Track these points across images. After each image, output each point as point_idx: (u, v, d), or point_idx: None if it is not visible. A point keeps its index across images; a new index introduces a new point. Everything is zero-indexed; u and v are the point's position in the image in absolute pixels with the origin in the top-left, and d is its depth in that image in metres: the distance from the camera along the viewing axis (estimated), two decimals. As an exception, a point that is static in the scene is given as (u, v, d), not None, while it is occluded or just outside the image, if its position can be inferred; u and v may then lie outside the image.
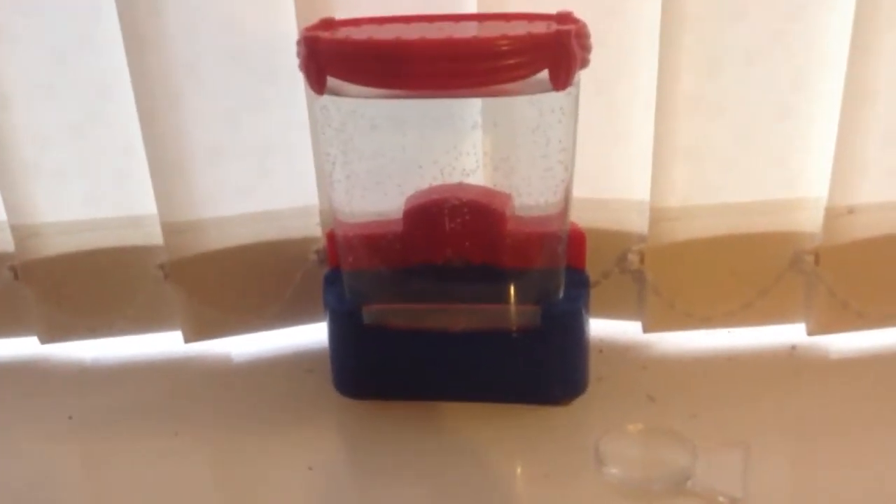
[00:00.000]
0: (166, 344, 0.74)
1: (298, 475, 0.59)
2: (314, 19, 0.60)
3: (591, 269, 0.66)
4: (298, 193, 0.70)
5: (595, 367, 0.66)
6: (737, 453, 0.58)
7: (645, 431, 0.61)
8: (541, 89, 0.55)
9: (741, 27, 0.62)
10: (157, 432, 0.64)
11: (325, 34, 0.56)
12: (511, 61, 0.53)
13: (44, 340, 0.74)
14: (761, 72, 0.63)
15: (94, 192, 0.69)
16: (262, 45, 0.65)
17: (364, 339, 0.64)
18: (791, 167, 0.66)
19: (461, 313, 0.63)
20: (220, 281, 0.71)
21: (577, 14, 0.58)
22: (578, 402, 0.64)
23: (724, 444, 0.59)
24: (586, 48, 0.55)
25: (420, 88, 0.54)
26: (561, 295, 0.63)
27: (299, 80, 0.60)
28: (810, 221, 0.67)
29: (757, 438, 0.59)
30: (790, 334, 0.71)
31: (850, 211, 0.65)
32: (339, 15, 0.61)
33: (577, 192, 0.62)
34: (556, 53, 0.53)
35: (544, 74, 0.54)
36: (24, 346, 0.75)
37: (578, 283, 0.64)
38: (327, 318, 0.66)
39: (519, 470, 0.60)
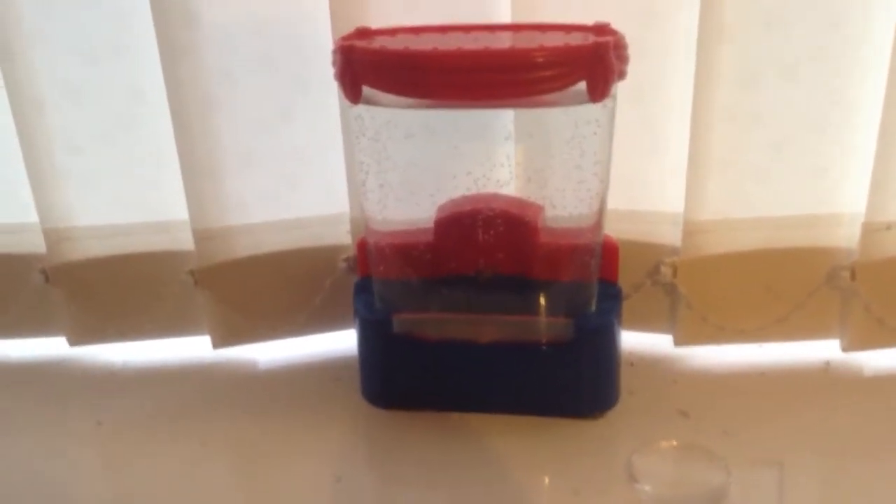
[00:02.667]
0: (195, 349, 0.74)
1: (326, 485, 0.58)
2: (349, 28, 0.60)
3: (623, 281, 0.65)
4: (329, 201, 0.70)
5: (626, 380, 0.65)
6: (771, 472, 0.57)
7: (678, 448, 0.60)
8: (577, 101, 0.54)
9: (779, 38, 0.61)
10: (183, 438, 0.64)
11: (361, 43, 0.56)
12: (548, 73, 0.52)
13: (73, 343, 0.74)
14: (799, 83, 0.62)
15: (126, 196, 0.70)
16: (296, 54, 0.65)
17: (393, 349, 0.64)
18: (828, 181, 0.65)
19: (492, 324, 0.63)
20: (250, 287, 0.71)
21: (614, 25, 0.57)
22: (609, 416, 0.64)
23: (758, 462, 0.58)
24: (624, 60, 0.55)
25: (456, 99, 0.54)
26: (593, 308, 0.63)
27: (332, 88, 0.60)
28: (847, 237, 0.66)
29: (790, 456, 0.58)
30: (824, 350, 0.70)
31: (889, 227, 0.65)
32: (374, 24, 0.61)
33: (611, 203, 0.61)
34: (594, 65, 0.53)
35: (581, 86, 0.53)
36: (53, 348, 0.75)
37: (611, 295, 0.64)
38: (357, 327, 0.66)
39: (548, 484, 0.59)
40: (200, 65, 0.64)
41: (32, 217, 0.69)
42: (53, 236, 0.70)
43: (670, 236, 0.68)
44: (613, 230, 0.64)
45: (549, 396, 0.63)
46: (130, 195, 0.70)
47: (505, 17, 0.63)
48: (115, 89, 0.66)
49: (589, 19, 0.59)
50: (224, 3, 0.63)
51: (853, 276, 0.66)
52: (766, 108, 0.63)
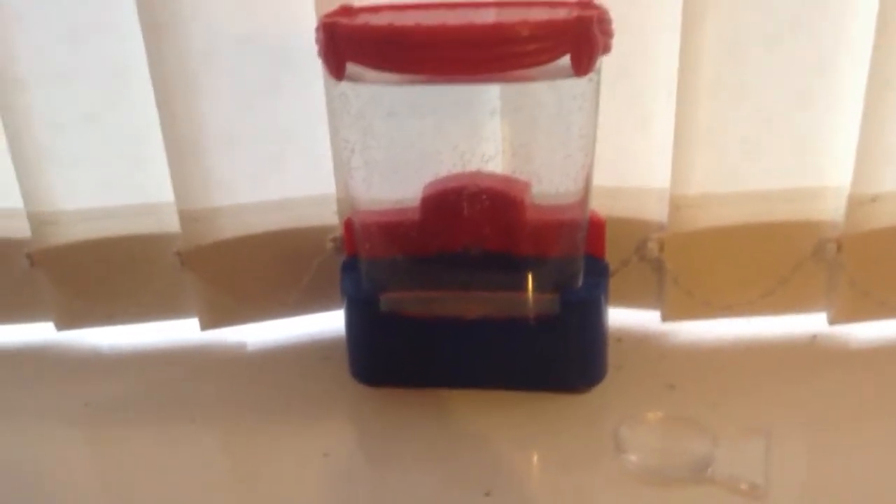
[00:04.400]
0: (182, 331, 0.74)
1: (314, 462, 0.59)
2: (333, 4, 0.59)
3: (610, 258, 0.65)
4: (315, 181, 0.69)
5: (614, 356, 0.66)
6: (758, 441, 0.57)
7: (665, 419, 0.60)
8: (562, 75, 0.54)
9: (764, 11, 0.61)
10: (172, 419, 0.64)
11: (344, 20, 0.56)
12: (532, 47, 0.52)
13: (60, 327, 0.74)
14: (784, 57, 0.62)
15: (111, 179, 0.69)
16: (279, 31, 0.64)
17: (381, 327, 0.64)
18: (814, 155, 0.65)
19: (479, 301, 0.63)
20: (237, 269, 0.71)
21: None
22: (597, 391, 0.64)
23: (745, 431, 0.58)
24: (608, 34, 0.55)
25: (441, 74, 0.54)
26: (580, 283, 0.63)
27: (316, 66, 0.59)
28: (833, 210, 0.66)
29: (778, 427, 0.59)
30: (811, 324, 0.70)
31: (874, 199, 0.65)
32: (358, 1, 0.60)
33: (597, 179, 0.61)
34: (578, 39, 0.53)
35: (565, 60, 0.53)
36: (40, 333, 0.75)
37: (597, 271, 0.64)
38: (344, 306, 0.65)
39: (536, 457, 0.59)
40: (182, 42, 0.63)
41: (17, 201, 0.69)
42: (38, 220, 0.69)
43: (657, 212, 0.68)
44: (600, 206, 0.64)
45: (537, 371, 0.63)
46: (116, 177, 0.69)
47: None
48: (98, 68, 0.66)
49: (573, -6, 0.59)
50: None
51: (839, 249, 0.66)
52: (750, 80, 0.63)
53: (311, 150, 0.68)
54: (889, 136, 0.63)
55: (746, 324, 0.71)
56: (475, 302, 0.63)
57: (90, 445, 0.63)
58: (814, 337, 0.69)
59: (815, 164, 0.66)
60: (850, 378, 0.65)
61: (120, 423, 0.64)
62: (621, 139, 0.66)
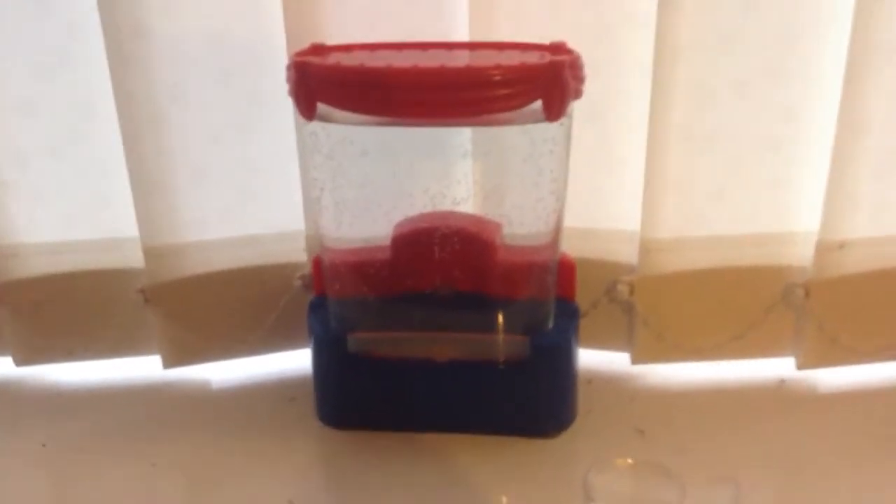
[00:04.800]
0: (145, 369, 0.72)
1: (278, 509, 0.57)
2: (304, 44, 0.59)
3: (580, 299, 0.65)
4: (284, 218, 0.68)
5: (583, 398, 0.65)
6: (726, 490, 0.57)
7: (634, 466, 0.60)
8: (533, 119, 0.54)
9: (734, 58, 0.62)
10: (133, 462, 0.62)
11: (316, 59, 0.55)
12: (504, 91, 0.52)
13: (19, 363, 0.72)
14: (753, 103, 0.63)
15: (74, 213, 0.68)
16: (249, 67, 0.64)
17: (349, 368, 0.63)
18: (782, 200, 0.66)
19: (449, 342, 0.62)
20: (202, 306, 0.69)
21: (571, 44, 0.57)
22: (566, 435, 0.63)
23: (714, 479, 0.58)
24: (580, 79, 0.55)
25: (412, 117, 0.53)
26: (550, 325, 0.62)
27: (286, 102, 0.58)
28: (801, 255, 0.66)
29: (746, 473, 0.58)
30: (779, 367, 0.70)
31: (841, 245, 0.65)
32: (330, 40, 0.60)
33: (567, 220, 0.61)
34: (550, 84, 0.53)
35: (537, 105, 0.53)
36: (-2, 368, 0.73)
37: (568, 313, 0.63)
38: (312, 346, 0.64)
39: (505, 503, 0.58)
40: (151, 77, 0.63)
41: (-25, 233, 0.68)
42: (-2, 253, 0.68)
43: (627, 254, 0.68)
44: (570, 248, 0.64)
45: (506, 415, 0.63)
46: (79, 211, 0.68)
47: (463, 35, 0.63)
48: (63, 102, 0.65)
49: (546, 38, 0.59)
50: (176, 15, 0.62)
51: (807, 295, 0.66)
52: (720, 127, 0.63)
53: (280, 186, 0.68)
54: (857, 182, 0.64)
55: (714, 367, 0.71)
56: (445, 343, 0.62)
57: (47, 488, 0.61)
58: (782, 381, 0.70)
59: (784, 209, 0.66)
60: (818, 423, 0.65)
61: (78, 465, 0.62)
62: (592, 181, 0.66)
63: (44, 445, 0.64)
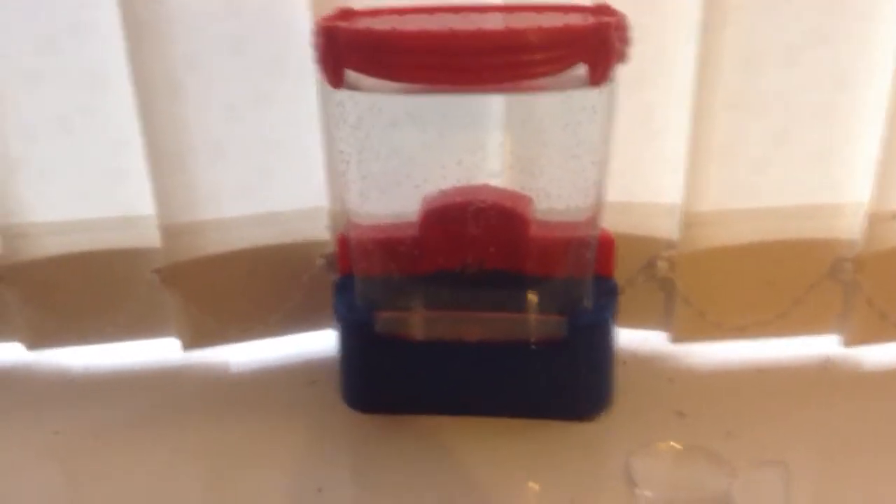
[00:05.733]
0: (161, 351, 0.70)
1: (306, 497, 0.55)
2: (329, 8, 0.56)
3: (616, 276, 0.62)
4: (306, 194, 0.66)
5: (620, 380, 0.63)
6: (775, 473, 0.54)
7: (678, 450, 0.57)
8: (575, 85, 0.51)
9: (784, 22, 0.59)
10: (151, 449, 0.60)
11: (344, 24, 0.52)
12: (546, 55, 0.49)
13: (30, 347, 0.69)
14: (804, 70, 0.60)
15: (86, 190, 0.65)
16: (270, 35, 0.61)
17: (376, 350, 0.61)
18: (832, 170, 0.63)
19: (480, 322, 0.59)
20: (221, 286, 0.67)
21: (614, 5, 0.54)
22: (604, 418, 0.61)
23: (762, 463, 0.55)
24: (626, 42, 0.52)
25: (448, 83, 0.50)
26: (588, 304, 0.59)
27: (309, 72, 0.56)
28: (851, 227, 0.64)
29: (793, 456, 0.56)
30: (823, 345, 0.68)
31: (894, 216, 0.62)
32: (357, 4, 0.57)
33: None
34: (595, 47, 0.50)
35: (579, 69, 0.50)
36: (9, 353, 0.70)
37: (606, 291, 0.61)
38: (337, 327, 0.62)
39: (541, 491, 0.56)
40: (167, 46, 0.60)
41: (-16, 212, 0.65)
42: (7, 233, 0.65)
43: (666, 229, 0.65)
44: (606, 222, 0.60)
45: (541, 398, 0.60)
46: (92, 188, 0.65)
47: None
48: (74, 73, 0.62)
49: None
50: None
51: (857, 269, 0.64)
52: (769, 94, 0.61)
53: (302, 161, 0.65)
54: (910, 151, 0.61)
55: (754, 345, 0.68)
56: (476, 324, 0.59)
57: (59, 479, 0.59)
58: (826, 359, 0.67)
59: (834, 179, 0.63)
60: (863, 402, 0.63)
61: (92, 453, 0.60)
62: (631, 152, 0.63)
63: (56, 433, 0.61)
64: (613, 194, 0.62)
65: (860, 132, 0.61)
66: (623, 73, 0.53)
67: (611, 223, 0.61)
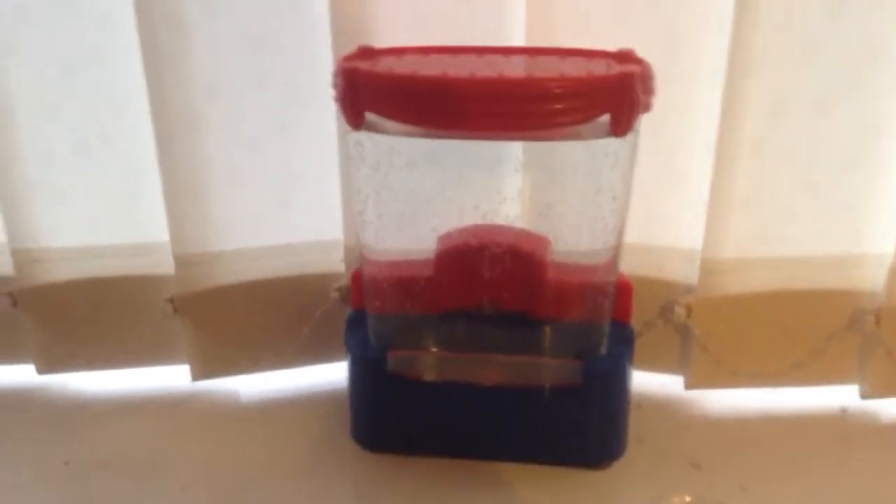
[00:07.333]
0: (171, 379, 0.69)
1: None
2: (350, 45, 0.55)
3: (633, 319, 0.61)
4: (321, 226, 0.65)
5: (634, 425, 0.61)
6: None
7: (692, 504, 0.56)
8: (598, 134, 0.50)
9: (813, 69, 0.58)
10: (158, 484, 0.59)
11: (365, 65, 0.51)
12: (570, 105, 0.48)
13: (41, 371, 0.69)
14: (832, 118, 0.59)
15: (101, 216, 0.65)
16: (291, 70, 0.61)
17: (387, 389, 0.60)
18: (856, 220, 0.62)
19: (494, 365, 0.59)
20: (233, 317, 0.67)
21: (636, 50, 0.53)
22: (617, 466, 0.60)
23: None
24: (650, 92, 0.51)
25: (469, 130, 0.49)
26: (603, 350, 0.58)
27: (328, 106, 0.55)
28: (873, 279, 0.63)
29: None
30: (841, 396, 0.66)
31: (918, 269, 0.61)
32: (379, 43, 0.56)
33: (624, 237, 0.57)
34: (620, 98, 0.49)
35: (603, 118, 0.49)
36: (20, 376, 0.70)
37: (622, 337, 0.60)
38: (348, 364, 0.61)
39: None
40: (187, 76, 0.59)
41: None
42: (22, 257, 0.65)
43: (685, 274, 0.64)
44: (624, 265, 0.59)
45: (553, 444, 0.59)
46: (107, 214, 0.65)
47: (519, 38, 0.59)
48: (92, 101, 0.62)
49: (609, 42, 0.55)
50: (215, 12, 0.58)
51: (877, 321, 0.62)
52: (795, 142, 0.59)
53: (318, 193, 0.64)
54: (936, 203, 0.59)
55: (771, 393, 0.67)
56: (489, 366, 0.59)
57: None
58: (843, 410, 0.66)
59: (857, 230, 0.62)
60: (882, 457, 0.61)
61: (101, 485, 0.59)
62: (651, 195, 0.62)
63: (66, 464, 0.61)
64: (633, 236, 0.61)
65: (887, 183, 0.60)
66: (649, 115, 0.53)
67: (630, 265, 0.60)
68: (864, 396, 0.66)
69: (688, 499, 0.57)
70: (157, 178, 0.62)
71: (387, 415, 0.61)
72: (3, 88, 0.60)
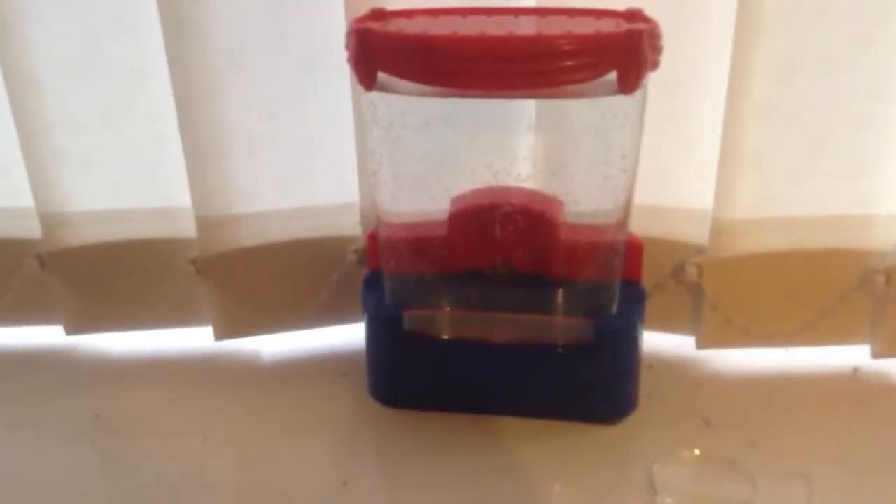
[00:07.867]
0: (196, 340, 0.71)
1: (331, 489, 0.56)
2: (363, 9, 0.56)
3: (645, 280, 0.62)
4: (339, 190, 0.67)
5: (645, 383, 0.63)
6: (798, 486, 0.54)
7: (701, 459, 0.57)
8: (606, 92, 0.51)
9: (821, 30, 0.58)
10: (184, 435, 0.61)
11: (377, 26, 0.53)
12: (577, 62, 0.49)
13: (69, 331, 0.71)
14: (840, 78, 0.59)
15: (126, 181, 0.67)
16: (307, 34, 0.61)
17: (403, 346, 0.61)
18: (866, 181, 0.62)
19: (507, 324, 0.60)
20: (254, 278, 0.68)
21: (646, 10, 0.54)
22: (628, 422, 0.61)
23: (785, 476, 0.55)
24: (657, 50, 0.51)
25: (478, 88, 0.51)
26: (614, 309, 0.59)
27: (344, 71, 0.56)
28: (883, 239, 0.63)
29: (818, 469, 0.56)
30: (852, 356, 0.67)
31: (929, 229, 0.61)
32: (390, 5, 0.57)
33: (635, 198, 0.58)
34: (627, 55, 0.49)
35: (610, 76, 0.50)
36: (49, 336, 0.72)
37: (633, 297, 0.60)
38: (365, 323, 0.63)
39: (563, 492, 0.56)
40: (206, 43, 0.61)
41: (27, 200, 0.67)
42: (50, 221, 0.67)
43: (696, 234, 0.65)
44: (635, 226, 0.60)
45: (565, 400, 0.60)
46: (131, 179, 0.67)
47: (531, 1, 0.59)
48: (116, 67, 0.63)
49: (620, 4, 0.55)
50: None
51: (888, 281, 0.63)
52: (804, 102, 0.60)
53: (336, 157, 0.65)
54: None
55: (783, 353, 0.68)
56: (503, 325, 0.60)
57: (98, 458, 0.61)
58: (855, 370, 0.66)
59: (867, 190, 0.62)
60: (894, 415, 0.62)
61: (128, 435, 0.61)
62: (662, 157, 0.63)
63: (96, 417, 0.63)
64: (645, 198, 0.62)
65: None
66: (654, 76, 0.53)
67: (641, 226, 0.61)
68: (875, 356, 0.66)
69: (697, 452, 0.58)
70: (178, 144, 0.63)
71: (403, 372, 0.63)
72: (30, 56, 0.62)
